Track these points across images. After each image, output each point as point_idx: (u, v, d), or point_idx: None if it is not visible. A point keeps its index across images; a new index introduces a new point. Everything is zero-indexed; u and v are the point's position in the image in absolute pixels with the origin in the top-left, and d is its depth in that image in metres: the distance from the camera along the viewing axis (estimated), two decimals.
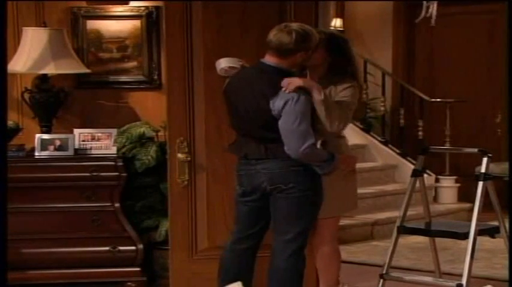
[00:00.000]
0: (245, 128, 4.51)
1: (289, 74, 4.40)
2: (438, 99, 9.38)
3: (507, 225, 5.08)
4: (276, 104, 4.30)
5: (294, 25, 4.39)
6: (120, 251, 5.73)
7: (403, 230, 5.15)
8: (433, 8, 7.91)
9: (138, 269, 5.78)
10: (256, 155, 4.45)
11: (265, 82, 4.38)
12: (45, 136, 5.86)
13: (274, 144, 4.38)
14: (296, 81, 4.31)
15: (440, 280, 5.24)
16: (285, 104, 4.29)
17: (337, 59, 4.65)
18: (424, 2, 7.97)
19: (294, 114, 4.29)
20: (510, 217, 5.19)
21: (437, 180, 9.16)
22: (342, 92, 4.56)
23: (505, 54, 8.53)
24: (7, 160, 4.47)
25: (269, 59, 4.41)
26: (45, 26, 5.93)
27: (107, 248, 5.73)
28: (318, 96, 4.33)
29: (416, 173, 5.18)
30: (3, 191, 4.15)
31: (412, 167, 5.46)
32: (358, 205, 4.97)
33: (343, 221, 7.35)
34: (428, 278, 5.27)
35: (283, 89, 4.30)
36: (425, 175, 5.35)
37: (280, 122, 4.33)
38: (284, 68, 4.39)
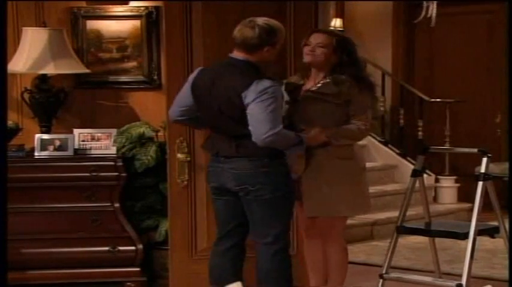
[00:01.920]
0: (217, 124, 4.48)
1: (258, 69, 4.38)
2: (438, 99, 9.36)
3: (507, 225, 5.08)
4: (248, 96, 4.27)
5: (259, 20, 4.39)
6: (119, 251, 5.73)
7: (403, 230, 5.15)
8: (433, 9, 7.90)
9: (137, 269, 5.77)
10: (227, 152, 4.42)
11: (235, 76, 4.35)
12: (45, 136, 5.85)
13: (246, 140, 4.34)
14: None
15: (440, 280, 5.24)
16: (257, 96, 4.25)
17: (345, 61, 4.65)
18: (424, 2, 7.97)
19: (266, 101, 4.25)
20: (510, 217, 5.20)
21: (437, 180, 9.15)
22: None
23: (504, 54, 8.53)
24: (7, 159, 4.49)
25: (237, 55, 4.40)
26: (45, 26, 5.93)
27: (106, 248, 5.72)
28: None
29: (416, 173, 5.18)
30: (3, 191, 4.16)
31: (412, 167, 5.46)
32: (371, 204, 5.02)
33: None
34: (428, 278, 5.27)
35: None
36: (425, 175, 5.35)
37: (250, 111, 4.28)
38: (253, 62, 4.38)
